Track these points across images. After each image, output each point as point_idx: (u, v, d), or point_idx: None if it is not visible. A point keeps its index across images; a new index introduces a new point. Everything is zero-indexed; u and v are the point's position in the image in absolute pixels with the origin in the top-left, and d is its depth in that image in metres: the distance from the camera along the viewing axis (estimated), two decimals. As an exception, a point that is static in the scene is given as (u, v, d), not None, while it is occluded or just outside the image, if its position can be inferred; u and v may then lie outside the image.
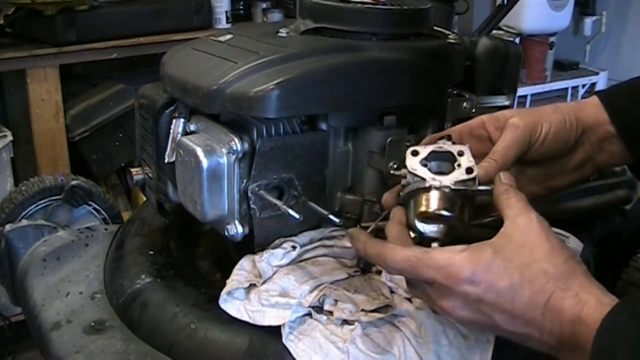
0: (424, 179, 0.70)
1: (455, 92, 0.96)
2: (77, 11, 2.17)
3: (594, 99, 0.83)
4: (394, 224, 0.72)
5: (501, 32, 3.03)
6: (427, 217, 0.69)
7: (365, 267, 0.87)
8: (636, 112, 0.81)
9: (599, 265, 0.96)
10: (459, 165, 0.71)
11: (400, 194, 0.73)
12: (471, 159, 0.71)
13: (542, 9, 3.03)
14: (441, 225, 0.69)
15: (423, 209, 0.69)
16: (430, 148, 0.72)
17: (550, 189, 0.85)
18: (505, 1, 1.31)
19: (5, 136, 2.14)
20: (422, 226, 0.69)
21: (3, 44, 2.16)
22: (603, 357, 0.57)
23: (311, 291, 0.80)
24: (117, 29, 2.26)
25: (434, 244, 0.68)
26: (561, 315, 0.61)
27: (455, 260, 0.63)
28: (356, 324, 0.77)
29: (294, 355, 0.76)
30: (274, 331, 0.78)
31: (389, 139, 0.89)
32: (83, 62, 2.26)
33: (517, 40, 3.03)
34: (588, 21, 3.29)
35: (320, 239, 0.91)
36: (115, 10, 2.28)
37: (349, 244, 0.90)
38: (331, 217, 0.84)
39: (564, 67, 3.31)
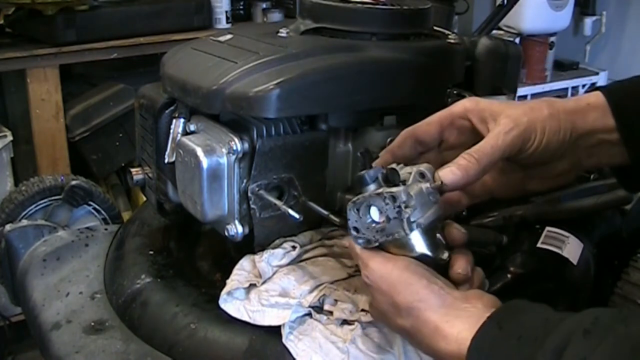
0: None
1: (455, 92, 0.95)
2: (77, 11, 2.17)
3: (598, 97, 0.75)
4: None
5: (501, 32, 3.03)
6: None
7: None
8: None
9: (599, 265, 0.96)
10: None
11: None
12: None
13: (542, 9, 3.02)
14: None
15: None
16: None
17: (524, 192, 0.79)
18: (505, 1, 1.31)
19: (5, 136, 2.14)
20: None
21: (3, 44, 2.16)
22: None
23: (311, 291, 0.80)
24: (117, 29, 2.26)
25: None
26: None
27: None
28: (356, 324, 0.77)
29: (294, 355, 0.76)
30: (274, 331, 0.78)
31: (388, 139, 0.88)
32: (83, 62, 2.26)
33: (517, 40, 3.03)
34: (588, 21, 3.28)
35: (320, 239, 0.91)
36: (115, 10, 2.28)
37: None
38: (331, 217, 0.84)
39: (564, 67, 3.30)
